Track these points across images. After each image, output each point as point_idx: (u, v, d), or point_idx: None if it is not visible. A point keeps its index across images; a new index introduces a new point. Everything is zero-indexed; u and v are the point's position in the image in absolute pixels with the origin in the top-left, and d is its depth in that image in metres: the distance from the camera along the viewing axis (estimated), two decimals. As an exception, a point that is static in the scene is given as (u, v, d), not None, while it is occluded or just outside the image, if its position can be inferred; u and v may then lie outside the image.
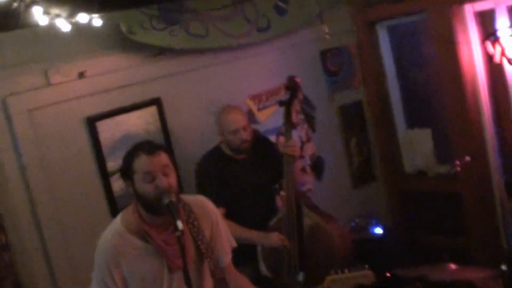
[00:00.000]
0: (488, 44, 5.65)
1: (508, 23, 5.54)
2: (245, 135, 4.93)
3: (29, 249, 4.73)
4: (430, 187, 6.68)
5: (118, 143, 5.04)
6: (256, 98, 5.96)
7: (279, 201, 5.21)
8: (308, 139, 6.38)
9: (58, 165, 4.86)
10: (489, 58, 5.71)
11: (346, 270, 3.80)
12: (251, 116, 5.91)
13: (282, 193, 5.01)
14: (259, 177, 5.08)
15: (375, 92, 6.85)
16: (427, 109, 6.71)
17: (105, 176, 5.06)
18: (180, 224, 3.01)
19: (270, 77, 5.95)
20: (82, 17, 4.32)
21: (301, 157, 6.28)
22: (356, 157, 6.86)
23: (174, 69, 5.47)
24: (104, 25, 4.59)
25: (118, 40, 5.08)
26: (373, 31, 6.80)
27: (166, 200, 3.07)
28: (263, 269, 4.97)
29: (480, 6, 5.73)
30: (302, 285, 4.76)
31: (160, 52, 5.34)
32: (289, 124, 5.01)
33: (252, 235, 4.81)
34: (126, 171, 3.21)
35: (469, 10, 5.76)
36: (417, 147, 6.83)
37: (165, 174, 3.14)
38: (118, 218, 3.30)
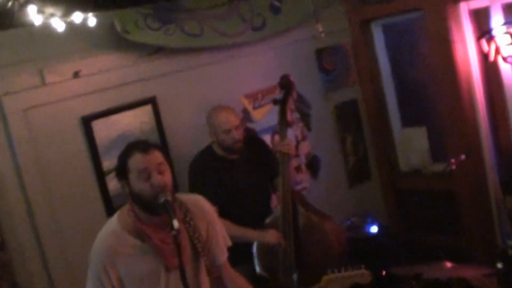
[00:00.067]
0: (483, 42, 5.66)
1: (502, 21, 5.54)
2: (238, 135, 4.93)
3: (25, 248, 4.72)
4: (426, 186, 6.69)
5: (114, 142, 5.04)
6: (251, 97, 5.95)
7: (275, 200, 5.22)
8: (304, 138, 6.39)
9: (54, 164, 4.86)
10: (484, 56, 5.73)
11: (342, 269, 3.80)
12: (246, 115, 5.92)
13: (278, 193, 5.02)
14: (252, 176, 5.08)
15: (371, 90, 6.85)
16: (423, 108, 6.72)
17: (100, 175, 5.05)
18: (176, 223, 3.00)
19: (265, 76, 5.95)
20: (77, 16, 4.31)
21: (297, 155, 6.29)
22: (351, 156, 6.86)
23: (169, 68, 5.47)
24: (98, 24, 4.58)
25: (113, 39, 5.08)
26: (368, 30, 6.81)
27: (161, 199, 3.07)
28: (259, 268, 4.97)
29: (475, 4, 5.74)
30: (297, 285, 4.77)
31: (155, 51, 5.34)
32: (284, 122, 5.01)
33: (248, 232, 4.81)
34: (121, 171, 3.20)
35: (464, 8, 5.78)
36: (412, 146, 6.84)
37: (160, 172, 3.14)
38: (115, 217, 3.30)
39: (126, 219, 3.23)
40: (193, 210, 3.35)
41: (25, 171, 4.70)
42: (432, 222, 6.62)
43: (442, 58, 5.92)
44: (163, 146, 5.23)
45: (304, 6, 6.21)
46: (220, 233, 3.50)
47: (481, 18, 5.74)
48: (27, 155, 4.70)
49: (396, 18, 6.58)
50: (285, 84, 5.08)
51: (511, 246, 4.41)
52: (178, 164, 5.08)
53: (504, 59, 5.56)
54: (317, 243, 4.87)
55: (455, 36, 5.80)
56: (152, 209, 3.13)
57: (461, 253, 5.79)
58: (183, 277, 3.09)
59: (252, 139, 5.27)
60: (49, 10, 4.13)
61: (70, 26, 4.34)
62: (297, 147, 6.32)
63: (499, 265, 4.42)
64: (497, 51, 5.57)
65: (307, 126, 6.44)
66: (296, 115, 6.33)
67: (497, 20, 5.58)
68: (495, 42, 5.56)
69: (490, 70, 5.80)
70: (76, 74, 4.92)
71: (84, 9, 4.37)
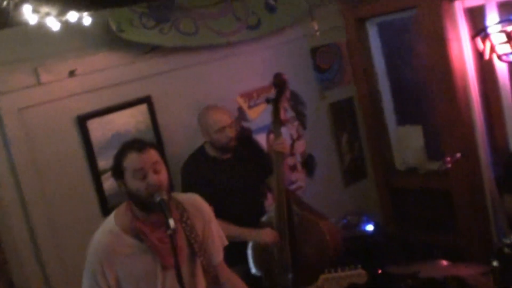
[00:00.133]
0: (478, 41, 5.66)
1: (497, 19, 5.54)
2: (231, 133, 4.93)
3: (21, 248, 4.72)
4: (421, 184, 6.69)
5: (109, 142, 5.03)
6: (246, 96, 5.95)
7: (271, 199, 5.22)
8: (299, 137, 6.39)
9: (49, 164, 4.85)
10: (479, 54, 5.72)
11: (339, 269, 3.80)
12: (242, 114, 5.92)
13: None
14: (245, 176, 5.07)
15: (366, 89, 6.85)
16: (418, 106, 6.72)
17: (96, 174, 5.05)
18: (171, 223, 3.01)
19: (260, 75, 5.94)
20: (72, 16, 4.30)
21: (292, 154, 6.29)
22: (347, 154, 6.86)
23: (164, 67, 5.46)
24: (94, 24, 4.57)
25: (108, 39, 5.07)
26: (363, 28, 6.81)
27: (157, 198, 3.07)
28: (254, 268, 4.97)
29: (469, 3, 5.74)
30: (292, 285, 4.77)
31: (150, 50, 5.33)
32: (278, 121, 5.00)
33: (244, 232, 4.81)
34: (117, 170, 3.21)
35: (459, 7, 5.78)
36: (407, 144, 6.84)
37: (156, 172, 3.14)
38: (111, 216, 3.30)
39: (123, 218, 3.23)
40: (190, 209, 3.35)
41: (21, 171, 4.69)
42: (428, 221, 6.62)
43: (437, 57, 5.92)
44: (159, 145, 5.22)
45: (299, 5, 6.22)
46: (216, 233, 3.51)
47: (476, 16, 5.74)
48: (23, 155, 4.69)
49: (391, 17, 6.58)
50: (278, 82, 5.07)
51: (506, 244, 4.40)
52: (174, 163, 5.08)
53: (499, 57, 5.56)
54: (312, 242, 4.86)
55: (450, 34, 5.80)
56: (148, 208, 3.14)
57: (457, 251, 5.80)
58: (179, 277, 3.10)
59: (243, 138, 5.26)
60: (44, 9, 4.13)
61: (65, 25, 4.33)
62: (292, 145, 6.32)
63: (495, 263, 4.41)
64: (492, 49, 5.57)
65: (303, 124, 6.44)
66: (292, 114, 6.33)
67: (492, 18, 5.58)
68: (490, 41, 5.56)
69: (485, 68, 5.80)
70: (71, 73, 4.91)
71: (79, 8, 4.37)
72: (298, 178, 6.40)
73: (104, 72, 5.10)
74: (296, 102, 6.37)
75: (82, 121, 4.97)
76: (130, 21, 5.07)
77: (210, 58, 5.75)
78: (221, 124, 4.88)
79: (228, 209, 4.82)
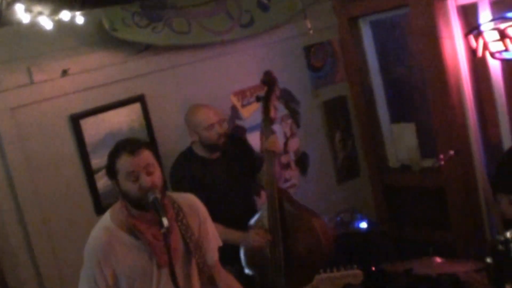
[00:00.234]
0: (471, 38, 5.67)
1: (490, 17, 5.55)
2: (220, 129, 4.93)
3: (14, 248, 4.71)
4: (415, 181, 6.69)
5: (103, 141, 5.04)
6: (240, 94, 5.96)
7: (264, 196, 5.21)
8: (293, 135, 6.40)
9: (43, 163, 4.85)
10: (472, 52, 5.73)
11: (335, 270, 3.79)
12: (235, 113, 5.92)
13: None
14: (234, 175, 5.07)
15: (359, 87, 6.85)
16: (411, 104, 6.72)
17: (89, 173, 5.05)
18: (165, 222, 3.01)
19: (254, 74, 5.93)
20: (65, 15, 4.29)
21: (286, 152, 6.29)
22: (340, 152, 6.86)
23: (157, 66, 5.46)
24: (86, 23, 4.56)
25: (101, 38, 5.07)
26: (356, 26, 6.81)
27: (151, 197, 3.08)
28: (247, 269, 4.96)
29: (462, 0, 5.75)
30: (285, 284, 4.77)
31: (143, 49, 5.32)
32: (268, 119, 4.98)
33: (234, 236, 4.77)
34: (110, 171, 3.22)
35: (451, 4, 5.78)
36: (401, 142, 6.84)
37: (149, 173, 3.14)
38: (107, 214, 3.30)
39: (118, 215, 3.24)
40: (186, 209, 3.36)
41: (14, 170, 4.69)
42: (422, 218, 6.63)
43: (430, 54, 5.92)
44: (152, 144, 5.21)
45: (292, 3, 6.22)
46: (211, 232, 3.52)
47: (469, 14, 5.74)
48: (16, 154, 4.69)
49: (384, 15, 6.58)
50: (268, 80, 5.06)
51: (500, 241, 4.40)
52: (168, 162, 5.07)
53: (492, 55, 5.57)
54: (305, 240, 4.85)
55: (443, 32, 5.80)
56: (142, 207, 3.14)
57: (451, 248, 5.81)
58: (173, 275, 3.10)
59: (231, 137, 5.24)
60: (37, 8, 4.12)
61: (58, 24, 4.33)
62: (286, 144, 6.32)
63: (489, 260, 4.41)
64: (485, 47, 5.58)
65: (296, 123, 6.45)
66: (285, 112, 6.34)
67: (485, 16, 5.59)
68: (483, 38, 5.56)
69: (478, 66, 5.80)
70: (64, 73, 4.90)
71: (72, 7, 4.36)
72: (292, 176, 6.40)
73: (97, 71, 5.10)
74: (290, 100, 6.38)
75: (75, 120, 4.97)
76: (123, 20, 5.07)
77: (203, 57, 5.74)
78: (209, 122, 4.88)
79: (218, 209, 4.79)
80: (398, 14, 6.41)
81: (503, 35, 5.40)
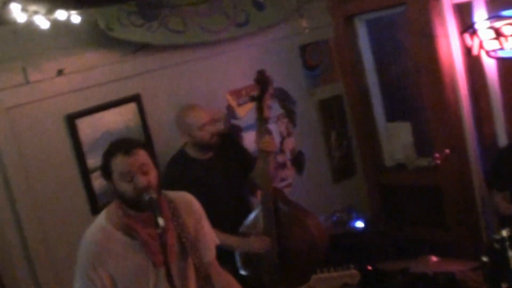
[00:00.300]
0: (466, 37, 5.68)
1: (485, 16, 5.56)
2: (213, 129, 4.93)
3: (10, 247, 4.70)
4: (410, 180, 6.71)
5: (98, 140, 5.02)
6: (235, 93, 5.95)
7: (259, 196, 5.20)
8: (289, 134, 6.40)
9: (38, 163, 4.83)
10: (467, 50, 5.74)
11: (332, 269, 3.79)
12: (231, 112, 5.92)
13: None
14: (227, 175, 5.08)
15: (354, 86, 6.85)
16: (407, 102, 6.73)
17: (85, 173, 5.03)
18: (161, 221, 3.00)
19: (249, 73, 5.90)
20: (60, 14, 4.29)
21: (282, 152, 6.30)
22: (336, 151, 6.87)
23: (153, 65, 5.45)
24: (82, 22, 4.55)
25: (96, 37, 5.06)
26: (352, 25, 6.81)
27: (146, 197, 3.06)
28: (242, 269, 4.96)
29: (458, -1, 5.77)
30: (281, 284, 4.78)
31: (139, 48, 5.32)
32: (262, 119, 4.96)
33: (230, 241, 4.76)
34: (105, 171, 3.20)
35: (447, 3, 5.79)
36: (397, 141, 6.85)
37: (144, 173, 3.13)
38: (103, 214, 3.29)
39: (114, 215, 3.22)
40: (181, 207, 3.35)
41: (10, 170, 4.67)
42: (418, 217, 6.64)
43: (425, 53, 5.93)
44: (148, 144, 5.22)
45: (287, 2, 6.22)
46: (208, 231, 3.50)
47: (464, 13, 5.75)
48: (12, 154, 4.68)
49: (380, 13, 6.59)
50: (261, 79, 5.04)
51: (496, 239, 4.41)
52: (163, 161, 5.07)
53: (487, 53, 5.58)
54: (300, 240, 4.85)
55: (438, 31, 5.82)
56: (138, 207, 3.13)
57: (447, 247, 5.81)
58: (169, 275, 3.09)
59: (222, 137, 5.23)
60: (33, 7, 4.11)
61: (54, 24, 4.32)
62: (282, 143, 6.32)
63: (485, 259, 4.43)
64: (481, 45, 5.59)
65: (292, 122, 6.45)
66: (281, 111, 6.34)
67: (480, 15, 5.60)
68: (478, 37, 5.57)
69: (473, 64, 5.82)
70: (60, 72, 4.89)
71: (68, 6, 4.35)
72: (288, 176, 6.40)
73: (93, 71, 5.09)
74: (286, 99, 6.38)
75: (71, 120, 4.96)
76: (119, 19, 5.06)
77: (199, 56, 5.74)
78: (201, 122, 4.89)
79: (211, 209, 4.78)
80: (394, 13, 6.41)
81: (498, 34, 5.42)
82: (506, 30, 5.37)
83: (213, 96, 5.73)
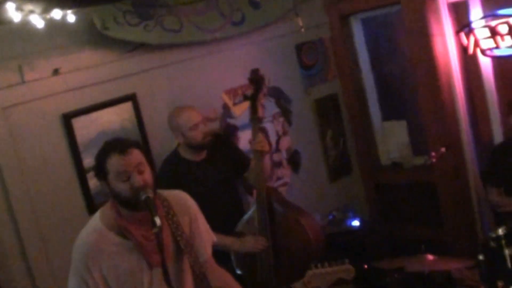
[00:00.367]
0: (462, 36, 5.68)
1: (481, 14, 5.57)
2: (206, 129, 4.94)
3: (6, 247, 4.68)
4: (406, 179, 6.72)
5: (94, 140, 5.00)
6: (231, 92, 5.95)
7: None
8: (285, 133, 6.40)
9: (34, 163, 4.82)
10: (463, 49, 5.75)
11: (327, 265, 3.79)
12: (227, 111, 5.92)
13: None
14: (220, 176, 5.08)
15: (350, 85, 6.86)
16: (402, 101, 6.74)
17: (81, 173, 5.02)
18: (158, 221, 2.99)
19: (245, 72, 5.91)
20: (56, 13, 4.28)
21: (278, 150, 6.30)
22: (332, 150, 6.87)
23: (149, 64, 5.44)
24: (78, 21, 4.55)
25: (92, 36, 5.05)
26: (347, 24, 6.82)
27: (143, 196, 3.05)
28: (237, 268, 4.96)
29: (453, -2, 5.78)
30: (276, 283, 4.77)
31: (134, 47, 5.31)
32: (255, 118, 4.97)
33: (227, 242, 4.77)
34: (100, 172, 3.18)
35: (443, 2, 5.80)
36: (392, 139, 6.86)
37: (140, 172, 3.12)
38: (97, 215, 3.28)
39: (108, 216, 3.21)
40: (176, 206, 3.33)
41: (6, 170, 4.66)
42: (413, 215, 6.65)
43: (421, 52, 5.94)
44: (144, 143, 5.21)
45: (283, 1, 6.22)
46: (203, 228, 3.48)
47: (460, 12, 5.77)
48: (7, 154, 4.66)
49: (375, 12, 6.60)
50: (255, 78, 5.05)
51: (492, 238, 4.42)
52: (159, 161, 5.07)
53: (483, 52, 5.59)
54: (294, 239, 4.86)
55: (434, 30, 5.82)
56: (133, 207, 3.12)
57: (443, 245, 5.81)
58: (166, 275, 3.09)
59: (216, 137, 5.22)
60: (28, 7, 4.09)
61: (49, 23, 4.30)
62: (278, 142, 6.32)
63: (481, 257, 4.43)
64: (476, 44, 5.60)
65: (288, 121, 6.45)
66: (277, 110, 6.34)
67: (476, 13, 5.61)
68: (474, 35, 5.59)
69: (469, 63, 5.83)
70: (55, 72, 4.88)
71: (63, 6, 4.34)
72: (284, 174, 6.40)
73: (89, 70, 5.08)
74: (281, 98, 6.38)
75: (67, 119, 4.95)
76: (115, 18, 5.05)
77: (195, 55, 5.73)
78: (193, 122, 4.89)
79: (206, 210, 4.78)
80: (390, 12, 6.42)
81: (494, 33, 5.43)
82: (501, 29, 5.38)
83: (209, 95, 5.73)
